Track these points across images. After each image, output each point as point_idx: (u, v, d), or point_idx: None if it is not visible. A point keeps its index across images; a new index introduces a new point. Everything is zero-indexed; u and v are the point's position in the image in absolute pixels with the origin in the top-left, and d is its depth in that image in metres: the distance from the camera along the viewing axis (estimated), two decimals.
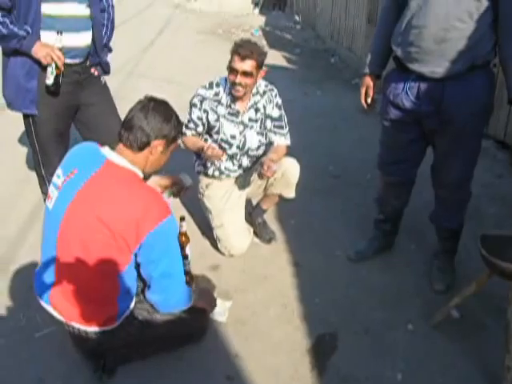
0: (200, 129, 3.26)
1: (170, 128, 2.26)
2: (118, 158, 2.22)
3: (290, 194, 3.46)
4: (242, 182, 3.47)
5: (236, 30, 11.85)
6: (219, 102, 3.23)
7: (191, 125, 3.25)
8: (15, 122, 3.25)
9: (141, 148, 2.22)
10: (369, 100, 3.14)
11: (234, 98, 3.20)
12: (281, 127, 3.38)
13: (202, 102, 3.21)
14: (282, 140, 3.38)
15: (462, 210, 3.14)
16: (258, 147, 3.38)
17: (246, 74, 3.04)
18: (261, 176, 3.03)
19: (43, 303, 2.33)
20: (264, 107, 3.32)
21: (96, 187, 2.15)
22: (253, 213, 3.69)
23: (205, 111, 3.22)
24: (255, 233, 3.63)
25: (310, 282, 3.21)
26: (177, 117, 2.34)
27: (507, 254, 2.40)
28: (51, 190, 2.28)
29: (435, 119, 2.82)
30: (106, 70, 3.39)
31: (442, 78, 2.70)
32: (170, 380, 2.49)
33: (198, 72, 7.51)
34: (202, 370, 2.54)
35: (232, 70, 3.06)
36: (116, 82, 6.83)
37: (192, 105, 3.24)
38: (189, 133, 3.27)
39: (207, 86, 3.25)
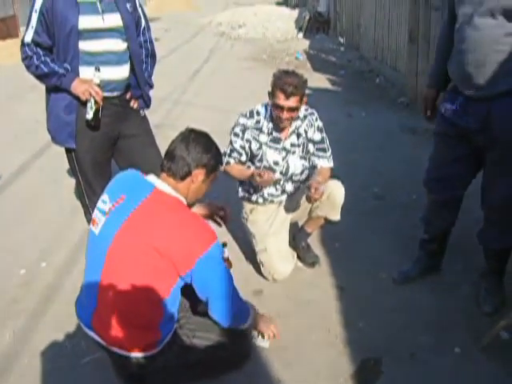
0: (244, 158, 3.29)
1: (210, 157, 2.34)
2: (165, 186, 2.29)
3: (336, 216, 3.42)
4: (287, 205, 3.47)
5: (280, 55, 11.95)
6: (260, 130, 3.25)
7: (234, 154, 3.27)
8: (63, 155, 3.35)
9: (183, 177, 2.29)
10: (428, 112, 3.21)
11: (275, 126, 3.23)
12: (323, 150, 3.37)
13: (243, 132, 3.25)
14: (325, 163, 3.38)
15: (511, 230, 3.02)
16: (302, 172, 3.38)
17: (291, 109, 3.07)
18: (309, 199, 3.03)
19: (85, 328, 2.36)
20: (305, 131, 3.32)
21: (146, 214, 2.20)
22: (297, 236, 3.67)
23: (247, 141, 3.25)
24: (298, 257, 3.61)
25: (354, 306, 3.16)
26: (216, 147, 2.42)
27: None
28: (97, 215, 2.32)
29: (483, 136, 2.80)
30: (147, 103, 3.45)
31: (486, 98, 2.71)
32: None
33: (242, 98, 7.59)
34: None
35: (277, 106, 3.07)
36: (163, 110, 7.01)
37: (234, 134, 3.27)
38: (232, 161, 3.29)
39: (248, 114, 3.28)
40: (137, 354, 2.27)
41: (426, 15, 7.04)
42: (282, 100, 3.04)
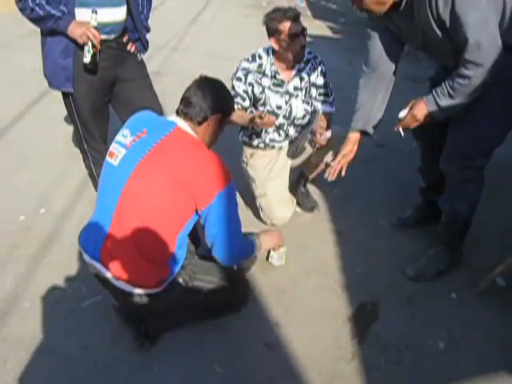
0: (247, 103, 3.23)
1: (225, 103, 2.43)
2: (185, 125, 2.34)
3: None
4: (287, 151, 3.45)
5: (280, 1, 11.71)
6: (263, 73, 3.19)
7: (237, 99, 3.20)
8: (61, 102, 3.30)
9: (200, 122, 2.34)
10: None
11: (278, 69, 3.18)
12: (326, 95, 3.35)
13: (246, 76, 3.18)
14: (328, 108, 3.36)
15: (464, 193, 2.81)
16: (304, 116, 3.35)
17: (303, 32, 3.01)
18: (313, 144, 3.05)
19: (89, 258, 2.33)
20: (308, 75, 3.27)
21: (169, 147, 2.24)
22: (296, 182, 3.67)
23: (250, 84, 3.19)
24: (297, 202, 3.62)
25: (352, 251, 3.19)
26: (229, 93, 2.50)
27: None
28: (116, 147, 2.32)
29: None
30: (145, 46, 3.39)
31: None
32: (211, 346, 2.52)
33: (241, 45, 7.45)
34: (241, 337, 2.57)
35: (293, 36, 2.97)
36: (161, 57, 6.89)
37: (237, 79, 3.19)
38: (235, 107, 3.21)
39: (250, 58, 3.21)
40: (141, 291, 2.28)
41: None
42: (293, 26, 2.96)
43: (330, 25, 9.48)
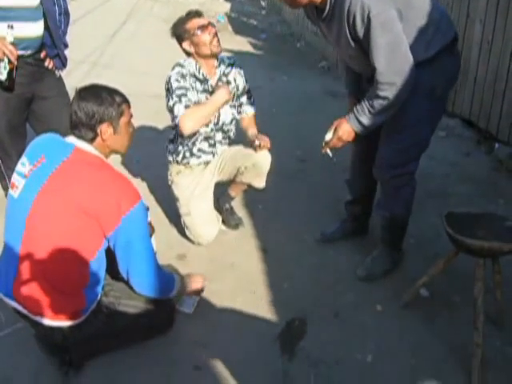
0: (196, 98, 3.11)
1: (105, 107, 2.22)
2: (85, 145, 2.23)
3: (261, 183, 3.40)
4: (212, 168, 3.42)
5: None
6: (195, 76, 3.14)
7: (184, 98, 3.02)
8: None
9: (92, 139, 2.23)
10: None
11: (205, 72, 3.16)
12: (251, 98, 3.42)
13: (182, 77, 3.07)
14: (251, 109, 3.43)
15: (397, 198, 2.94)
16: (231, 121, 3.35)
17: (211, 24, 3.07)
18: (260, 148, 3.18)
19: (5, 298, 2.23)
20: (235, 80, 3.30)
21: (68, 173, 2.14)
22: (220, 199, 3.64)
23: (190, 85, 3.10)
24: (222, 220, 3.59)
25: (278, 268, 3.18)
26: (109, 91, 2.27)
27: (472, 231, 2.41)
28: (16, 178, 2.22)
29: None
30: (63, 62, 3.30)
31: None
32: (138, 372, 2.43)
33: (161, 61, 7.39)
34: (169, 360, 2.50)
35: (203, 27, 3.02)
36: (80, 72, 6.73)
37: (176, 81, 3.04)
38: (183, 108, 2.99)
39: (180, 64, 3.13)
40: (61, 323, 2.19)
41: None
42: (200, 20, 3.06)
43: (252, 40, 9.59)
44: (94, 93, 2.23)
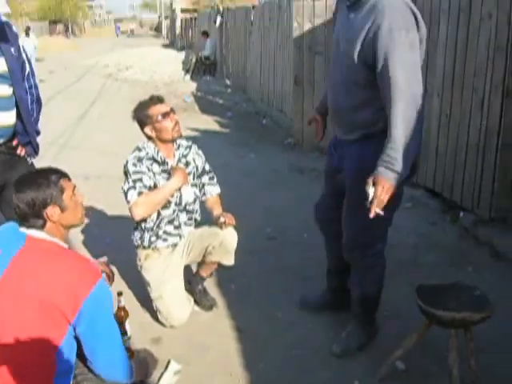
0: (151, 182, 3.20)
1: (43, 191, 2.20)
2: (37, 232, 2.21)
3: (230, 261, 3.47)
4: (181, 250, 3.46)
5: (168, 97, 12.00)
6: (153, 159, 3.25)
7: (139, 183, 3.14)
8: None
9: (42, 225, 2.21)
10: (318, 137, 3.30)
11: (164, 155, 3.27)
12: (213, 178, 3.54)
13: (140, 161, 3.19)
14: (216, 189, 3.54)
15: (367, 278, 3.04)
16: (195, 200, 3.44)
17: (172, 110, 3.23)
18: (225, 225, 3.26)
19: None
20: (194, 160, 3.43)
21: (24, 264, 2.11)
22: (192, 281, 3.66)
23: (146, 167, 3.21)
24: (195, 301, 3.60)
25: (253, 347, 3.19)
26: (42, 174, 2.25)
27: (443, 303, 2.50)
28: None
29: (340, 175, 2.99)
30: (36, 150, 3.36)
31: (346, 140, 2.91)
32: None
33: (130, 141, 7.49)
34: None
35: (165, 114, 3.16)
36: (49, 155, 6.79)
37: (133, 165, 3.17)
38: (143, 190, 3.13)
39: (136, 150, 3.27)
40: None
41: (310, 59, 7.43)
42: (161, 107, 3.19)
43: (218, 119, 9.82)
44: (29, 181, 2.22)
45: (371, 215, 2.50)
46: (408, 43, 2.47)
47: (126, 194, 3.13)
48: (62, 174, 2.30)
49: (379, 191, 2.47)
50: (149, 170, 3.22)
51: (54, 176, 2.24)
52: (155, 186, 3.23)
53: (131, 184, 3.13)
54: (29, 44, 15.02)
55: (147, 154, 3.25)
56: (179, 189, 3.29)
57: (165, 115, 3.16)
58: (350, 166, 2.87)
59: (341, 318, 3.41)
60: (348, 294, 3.27)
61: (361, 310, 3.14)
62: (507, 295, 3.60)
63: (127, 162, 3.20)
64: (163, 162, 3.27)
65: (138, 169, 3.16)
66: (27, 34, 16.42)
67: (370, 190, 2.49)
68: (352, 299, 3.18)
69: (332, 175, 3.11)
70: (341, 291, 3.43)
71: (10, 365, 2.09)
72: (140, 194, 3.11)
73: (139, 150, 3.26)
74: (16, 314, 2.07)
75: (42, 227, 2.21)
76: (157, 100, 3.22)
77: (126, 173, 3.19)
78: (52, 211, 2.21)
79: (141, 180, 3.14)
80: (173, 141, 3.29)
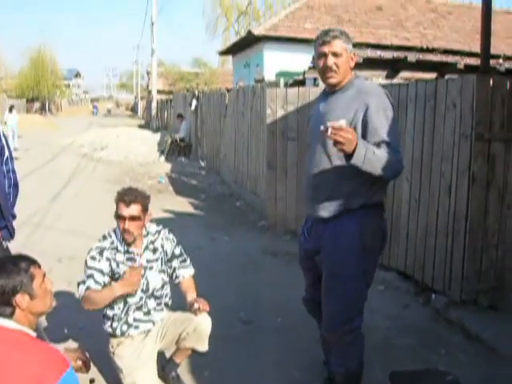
0: (106, 278, 3.28)
1: (13, 278, 2.21)
2: (4, 321, 2.19)
3: (203, 347, 3.46)
4: (153, 336, 3.45)
5: (143, 178, 12.13)
6: (116, 249, 3.34)
7: (89, 279, 3.22)
8: None
9: (11, 313, 2.21)
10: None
11: (128, 244, 3.33)
12: (184, 260, 3.58)
13: (101, 253, 3.29)
14: (188, 271, 3.59)
15: (349, 355, 3.10)
16: (163, 286, 3.47)
17: (133, 218, 3.24)
18: (199, 312, 3.29)
19: None
20: (162, 246, 3.47)
21: None
22: (166, 367, 3.62)
23: (107, 259, 3.29)
24: None
25: None
26: (12, 261, 2.28)
27: None
28: None
29: (318, 256, 3.10)
30: (12, 234, 3.39)
31: (324, 219, 3.03)
32: None
33: (104, 222, 7.49)
34: None
35: (120, 217, 3.24)
36: (23, 235, 6.74)
37: (91, 258, 3.27)
38: (92, 285, 3.22)
39: (101, 238, 3.38)
40: None
41: (283, 145, 7.64)
42: (123, 209, 3.22)
43: (192, 201, 9.92)
44: (2, 265, 2.24)
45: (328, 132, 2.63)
46: (392, 119, 2.87)
47: (78, 286, 3.26)
48: (32, 262, 2.32)
49: (344, 132, 2.62)
50: (113, 259, 3.30)
51: (24, 263, 2.26)
52: (117, 276, 3.30)
53: (84, 278, 3.27)
54: (12, 119, 18.84)
55: (112, 243, 3.35)
56: (145, 276, 3.35)
57: (120, 218, 3.25)
58: (329, 242, 2.99)
59: None
60: None
61: None
62: (480, 377, 3.63)
63: (88, 253, 3.32)
64: (126, 251, 3.34)
65: (93, 264, 3.26)
66: (10, 111, 19.49)
67: (342, 122, 2.68)
68: (337, 381, 3.19)
69: (309, 260, 3.20)
70: None
71: None
72: (88, 289, 3.21)
73: (104, 238, 3.37)
74: None
75: (10, 315, 2.19)
76: (129, 198, 3.24)
77: (85, 263, 3.30)
78: (21, 299, 2.21)
79: (92, 276, 3.24)
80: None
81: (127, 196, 3.24)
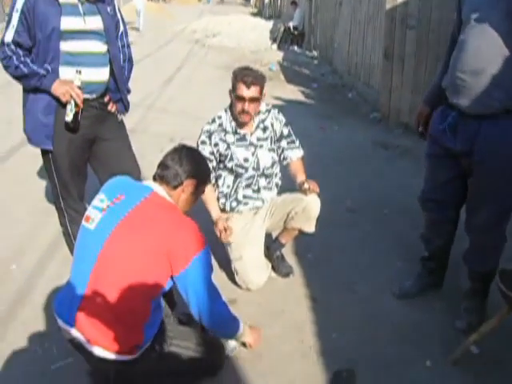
0: (214, 163, 3.34)
1: (201, 170, 2.52)
2: (161, 190, 2.39)
3: (311, 228, 3.46)
4: (263, 215, 3.49)
5: (254, 65, 11.99)
6: (225, 130, 3.33)
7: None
8: (34, 158, 3.28)
9: (175, 186, 2.40)
10: (421, 128, 3.19)
11: (239, 123, 3.31)
12: (293, 142, 3.50)
13: (210, 137, 3.31)
14: (298, 153, 3.51)
15: (495, 255, 3.03)
16: (273, 164, 3.45)
17: (253, 100, 3.18)
18: (309, 192, 3.28)
19: (64, 324, 2.28)
20: (272, 125, 3.42)
21: (145, 213, 2.27)
22: (271, 247, 3.69)
23: (215, 145, 3.31)
24: (273, 267, 3.63)
25: (326, 317, 3.18)
26: (206, 163, 2.65)
27: None
28: (92, 212, 2.32)
29: (468, 159, 2.80)
30: (126, 107, 3.43)
31: (478, 116, 2.69)
32: None
33: (215, 106, 7.58)
34: None
35: (240, 98, 3.18)
36: (136, 115, 6.95)
37: (201, 143, 3.32)
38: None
39: (210, 121, 3.36)
40: (117, 357, 2.23)
41: (402, 33, 7.18)
42: (243, 90, 3.16)
43: (303, 89, 9.73)
44: (198, 155, 2.61)
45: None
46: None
47: None
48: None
49: None
50: (222, 140, 3.30)
51: (208, 168, 2.69)
52: (230, 157, 3.31)
53: None
54: (139, 1, 19.25)
55: (220, 124, 3.33)
56: (255, 154, 3.35)
57: (239, 99, 3.18)
58: (484, 147, 2.71)
59: (418, 296, 3.37)
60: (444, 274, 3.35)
61: (483, 285, 3.13)
62: None
63: (200, 136, 3.35)
64: (235, 132, 3.32)
65: (203, 148, 3.31)
66: None
67: None
68: (471, 276, 3.15)
69: (449, 159, 2.93)
70: (440, 271, 3.40)
71: (111, 303, 2.20)
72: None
73: (213, 121, 3.35)
74: (130, 255, 2.21)
75: (173, 188, 2.40)
76: (249, 81, 3.15)
77: (197, 145, 3.33)
78: (190, 185, 2.44)
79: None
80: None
81: (247, 77, 3.16)
